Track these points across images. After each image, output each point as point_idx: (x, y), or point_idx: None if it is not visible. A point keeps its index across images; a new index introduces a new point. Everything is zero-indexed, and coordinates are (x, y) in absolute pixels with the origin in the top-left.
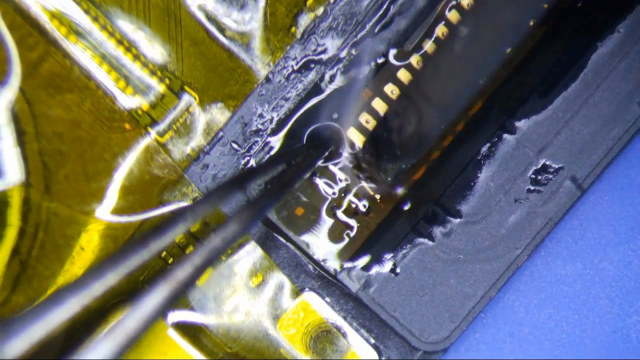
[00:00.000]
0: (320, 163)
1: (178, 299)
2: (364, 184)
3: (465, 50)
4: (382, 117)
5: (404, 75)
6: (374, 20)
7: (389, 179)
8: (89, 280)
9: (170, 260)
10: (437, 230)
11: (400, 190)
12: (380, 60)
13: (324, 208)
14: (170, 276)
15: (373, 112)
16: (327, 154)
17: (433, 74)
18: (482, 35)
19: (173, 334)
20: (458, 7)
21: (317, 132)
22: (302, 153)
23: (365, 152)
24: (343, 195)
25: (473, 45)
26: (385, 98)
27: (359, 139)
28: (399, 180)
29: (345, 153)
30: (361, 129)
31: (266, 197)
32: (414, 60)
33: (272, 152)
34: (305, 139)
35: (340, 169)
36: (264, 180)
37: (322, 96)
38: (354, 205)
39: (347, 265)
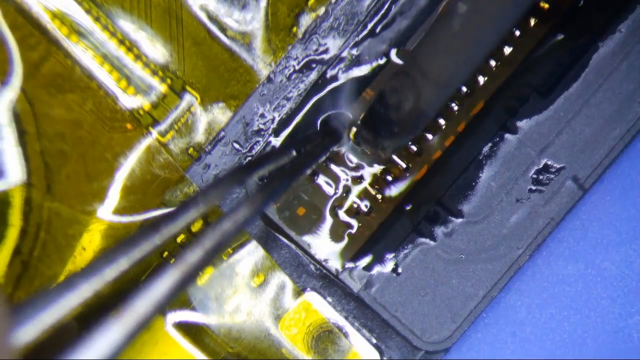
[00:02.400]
0: (334, 148)
1: (189, 283)
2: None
3: (465, 49)
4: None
5: None
6: (375, 20)
7: (388, 155)
8: (101, 265)
9: (172, 261)
10: (439, 230)
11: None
12: (381, 60)
13: (326, 208)
14: (180, 259)
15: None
16: (340, 140)
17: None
18: (481, 34)
19: (175, 333)
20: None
21: (328, 120)
22: (314, 140)
23: (363, 129)
24: (345, 195)
25: (472, 43)
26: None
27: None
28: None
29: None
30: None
31: (278, 182)
32: None
33: (278, 143)
34: (318, 126)
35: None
36: (275, 167)
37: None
38: (355, 205)
39: (349, 265)
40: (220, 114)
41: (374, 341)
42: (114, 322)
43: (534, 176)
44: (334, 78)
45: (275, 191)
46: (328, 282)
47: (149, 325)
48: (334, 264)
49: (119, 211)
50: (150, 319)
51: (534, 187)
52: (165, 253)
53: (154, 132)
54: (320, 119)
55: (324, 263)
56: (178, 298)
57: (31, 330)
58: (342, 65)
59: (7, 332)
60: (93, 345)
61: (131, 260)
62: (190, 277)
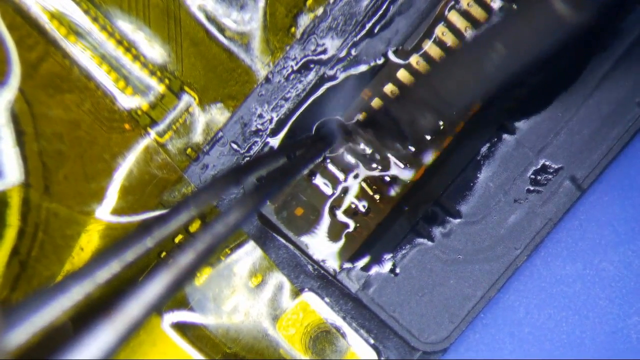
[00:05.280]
0: (326, 153)
1: (181, 286)
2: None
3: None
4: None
5: (403, 75)
6: (373, 20)
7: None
8: (92, 269)
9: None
10: (437, 231)
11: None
12: (379, 61)
13: (324, 208)
14: (172, 262)
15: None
16: (332, 146)
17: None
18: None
19: (172, 334)
20: (457, 7)
21: (323, 124)
22: (306, 144)
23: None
24: (343, 195)
25: (472, 46)
26: (384, 98)
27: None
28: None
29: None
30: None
31: (269, 185)
32: (414, 60)
33: (276, 143)
34: (313, 131)
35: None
36: (265, 171)
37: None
38: (353, 206)
39: (347, 265)
40: (219, 115)
41: (372, 341)
42: (104, 325)
43: (532, 176)
44: (332, 78)
45: (267, 194)
46: (326, 283)
47: (140, 327)
48: (332, 265)
49: (117, 211)
50: (142, 321)
51: (531, 188)
52: (164, 253)
53: (152, 133)
54: (316, 123)
55: (321, 263)
56: (175, 298)
57: (22, 332)
58: (340, 65)
59: (0, 334)
60: (84, 347)
61: (123, 263)
62: (182, 280)
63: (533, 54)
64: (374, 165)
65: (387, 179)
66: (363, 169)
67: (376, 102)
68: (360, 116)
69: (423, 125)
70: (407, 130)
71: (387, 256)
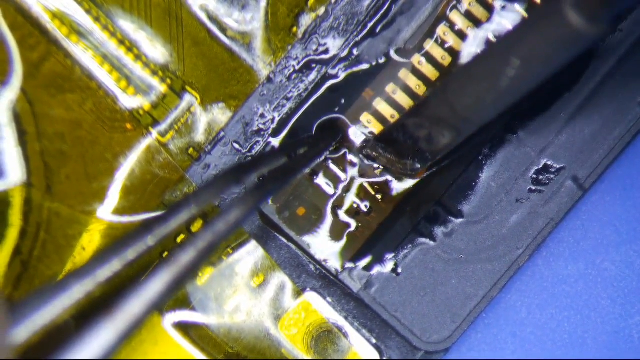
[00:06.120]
0: (327, 154)
1: (182, 285)
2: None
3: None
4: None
5: (404, 75)
6: (375, 19)
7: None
8: (94, 267)
9: None
10: (439, 230)
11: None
12: (381, 60)
13: (326, 208)
14: (173, 260)
15: (377, 113)
16: (334, 145)
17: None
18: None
19: (174, 333)
20: (459, 7)
21: (324, 124)
22: (308, 144)
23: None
24: (345, 195)
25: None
26: (386, 98)
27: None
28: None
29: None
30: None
31: (270, 184)
32: (415, 59)
33: (278, 143)
34: (314, 130)
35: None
36: (266, 170)
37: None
38: (355, 206)
39: (349, 265)
40: (220, 114)
41: (374, 341)
42: (106, 323)
43: (534, 176)
44: (334, 78)
45: (268, 192)
46: (328, 282)
47: (142, 326)
48: (334, 264)
49: (118, 211)
50: (143, 319)
51: (533, 187)
52: (166, 253)
53: (154, 132)
54: (317, 122)
55: (323, 263)
56: (177, 298)
57: (25, 330)
58: (342, 65)
59: (6, 331)
60: (86, 346)
61: (124, 262)
62: (183, 278)
63: (549, 67)
64: (375, 166)
65: (389, 178)
66: (364, 171)
67: (387, 111)
68: (375, 130)
69: (441, 143)
70: (425, 148)
71: (389, 256)
